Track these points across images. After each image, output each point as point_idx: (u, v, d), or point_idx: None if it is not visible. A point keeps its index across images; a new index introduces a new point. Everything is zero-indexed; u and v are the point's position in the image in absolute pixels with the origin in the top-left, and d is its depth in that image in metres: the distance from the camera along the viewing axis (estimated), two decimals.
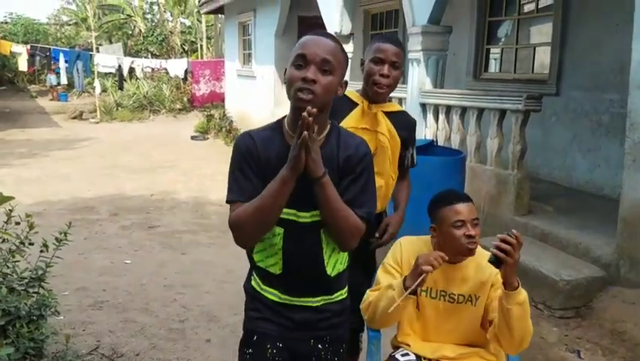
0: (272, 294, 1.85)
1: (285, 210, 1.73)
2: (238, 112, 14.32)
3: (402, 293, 1.99)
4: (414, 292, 2.01)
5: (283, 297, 1.84)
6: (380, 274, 2.26)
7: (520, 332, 2.02)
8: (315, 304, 1.85)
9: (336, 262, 1.86)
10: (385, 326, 2.24)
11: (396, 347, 2.29)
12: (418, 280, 1.96)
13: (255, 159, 1.77)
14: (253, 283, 1.91)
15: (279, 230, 1.79)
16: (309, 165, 1.65)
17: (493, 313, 2.12)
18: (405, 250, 2.25)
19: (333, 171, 1.76)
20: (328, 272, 1.84)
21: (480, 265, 2.15)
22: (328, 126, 1.82)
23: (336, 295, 1.89)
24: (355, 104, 2.56)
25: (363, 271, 2.59)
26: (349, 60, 1.99)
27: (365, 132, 2.44)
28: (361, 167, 1.80)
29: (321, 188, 1.69)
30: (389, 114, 2.59)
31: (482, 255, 2.14)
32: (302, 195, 1.72)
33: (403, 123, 2.61)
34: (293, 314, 1.84)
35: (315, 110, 1.57)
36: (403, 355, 2.20)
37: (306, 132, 1.57)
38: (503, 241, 1.88)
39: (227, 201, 1.80)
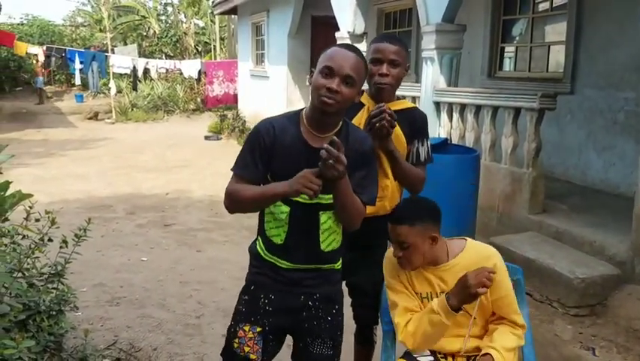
0: (272, 259, 2.10)
1: None
2: (251, 112, 14.37)
3: (448, 313, 2.03)
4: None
5: (281, 262, 2.08)
6: (393, 296, 2.25)
7: None
8: (307, 267, 2.09)
9: (332, 241, 2.09)
10: (431, 347, 2.23)
11: None
12: (476, 304, 2.05)
13: (268, 147, 1.99)
14: (258, 248, 2.15)
15: (285, 208, 2.02)
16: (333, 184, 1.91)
17: (499, 311, 2.17)
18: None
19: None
20: (322, 248, 2.07)
21: (471, 264, 2.12)
22: (340, 123, 2.05)
23: (327, 266, 2.13)
24: (363, 105, 2.54)
25: (379, 270, 2.63)
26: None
27: None
28: (367, 158, 2.07)
29: (338, 186, 1.91)
30: (396, 113, 2.55)
31: (474, 254, 2.16)
32: None
33: (408, 119, 2.54)
34: (288, 274, 2.08)
35: (343, 163, 1.81)
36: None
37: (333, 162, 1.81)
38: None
39: (232, 169, 2.05)
